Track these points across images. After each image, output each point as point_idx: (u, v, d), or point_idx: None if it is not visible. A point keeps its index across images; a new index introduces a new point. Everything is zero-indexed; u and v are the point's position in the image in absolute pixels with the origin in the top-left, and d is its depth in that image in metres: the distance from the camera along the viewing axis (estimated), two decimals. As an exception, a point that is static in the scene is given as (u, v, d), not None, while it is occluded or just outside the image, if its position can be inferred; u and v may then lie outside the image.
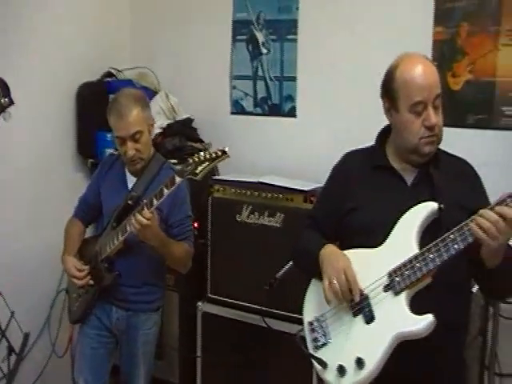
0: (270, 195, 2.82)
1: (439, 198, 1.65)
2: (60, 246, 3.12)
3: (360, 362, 1.60)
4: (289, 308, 2.78)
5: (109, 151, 3.21)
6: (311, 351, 1.77)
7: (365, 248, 1.73)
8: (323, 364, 1.70)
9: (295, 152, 3.17)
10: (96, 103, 3.26)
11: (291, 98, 3.21)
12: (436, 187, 1.69)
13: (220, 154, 2.01)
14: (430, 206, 1.65)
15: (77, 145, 3.34)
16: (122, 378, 2.51)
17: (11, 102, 1.79)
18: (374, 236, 1.71)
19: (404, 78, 1.71)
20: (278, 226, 2.80)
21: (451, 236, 1.54)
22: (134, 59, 3.55)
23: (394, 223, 1.69)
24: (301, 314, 2.77)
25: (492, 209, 1.48)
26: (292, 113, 3.22)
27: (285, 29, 3.17)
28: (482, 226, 1.47)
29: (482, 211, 1.49)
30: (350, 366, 1.63)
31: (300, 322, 2.73)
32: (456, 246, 1.53)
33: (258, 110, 3.32)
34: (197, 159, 2.03)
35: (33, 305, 3.09)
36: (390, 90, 1.75)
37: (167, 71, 3.49)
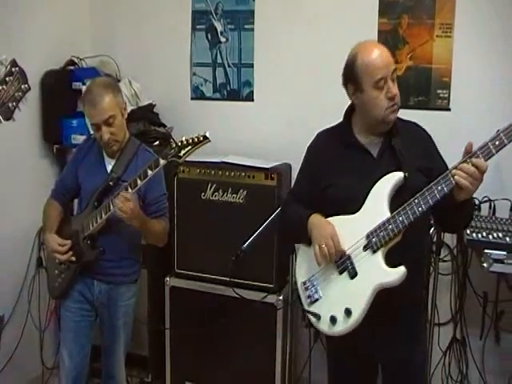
0: (233, 173, 2.99)
1: (404, 167, 1.91)
2: (29, 229, 3.26)
3: (348, 312, 1.90)
4: (253, 277, 2.99)
5: (75, 137, 3.33)
6: (306, 307, 2.04)
7: (344, 215, 1.98)
8: (317, 316, 1.99)
9: (253, 134, 3.34)
10: (60, 91, 3.35)
11: (249, 84, 3.39)
12: (399, 157, 1.94)
13: (202, 138, 2.17)
14: (396, 176, 1.91)
15: (42, 132, 3.37)
16: (102, 347, 2.63)
17: (29, 88, 1.91)
18: (350, 206, 1.96)
19: (364, 62, 1.95)
20: (241, 201, 2.99)
21: (415, 201, 1.83)
22: (95, 47, 3.59)
23: (367, 193, 1.94)
24: (265, 282, 3.03)
25: (466, 161, 1.76)
26: (250, 97, 3.40)
27: (242, 19, 3.34)
28: (463, 176, 1.75)
29: (460, 165, 1.76)
30: (340, 315, 1.92)
31: (264, 289, 2.98)
32: (427, 204, 1.81)
33: (218, 95, 3.48)
34: (180, 143, 2.17)
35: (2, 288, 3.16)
36: (353, 75, 1.98)
37: (128, 59, 3.56)
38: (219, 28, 3.41)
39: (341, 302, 1.92)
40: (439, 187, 1.81)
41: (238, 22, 3.37)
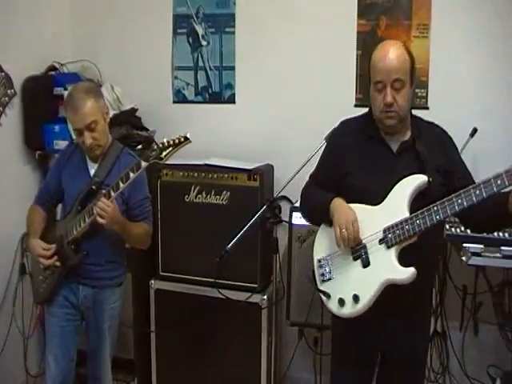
0: (215, 175, 3.03)
1: (427, 170, 1.96)
2: (11, 236, 3.24)
3: (356, 298, 1.97)
4: (238, 277, 3.01)
5: (57, 142, 3.33)
6: (318, 283, 2.12)
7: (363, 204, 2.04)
8: (327, 295, 2.07)
9: (235, 136, 3.38)
10: (42, 96, 3.35)
11: (230, 86, 3.43)
12: (423, 161, 1.98)
13: (183, 139, 2.19)
14: (421, 178, 1.95)
15: (24, 138, 3.37)
16: (88, 350, 2.62)
17: (15, 93, 1.93)
18: (366, 196, 2.02)
19: (373, 60, 2.00)
20: (224, 203, 3.03)
21: (435, 208, 1.87)
22: (75, 53, 3.60)
23: (384, 187, 1.98)
24: (249, 282, 3.05)
25: None
26: (231, 100, 3.44)
27: (223, 22, 3.39)
28: None
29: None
30: (348, 299, 2.00)
31: (248, 289, 3.01)
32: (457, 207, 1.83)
33: (199, 98, 3.51)
34: (161, 145, 2.18)
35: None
36: (368, 69, 2.03)
37: (110, 64, 3.58)
38: (200, 31, 3.45)
39: (351, 287, 2.00)
40: (477, 191, 1.80)
41: (218, 25, 3.41)
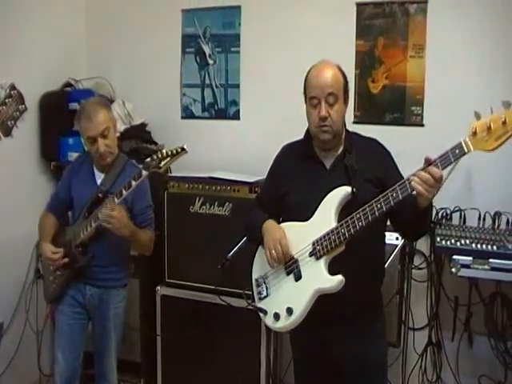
0: (219, 188, 3.16)
1: (353, 182, 2.04)
2: (27, 243, 3.42)
3: (289, 310, 2.06)
4: (239, 285, 3.12)
5: (71, 154, 3.51)
6: (256, 301, 2.21)
7: (297, 221, 2.14)
8: (264, 311, 2.16)
9: (239, 150, 3.53)
10: (57, 111, 3.55)
11: (235, 103, 3.59)
12: (350, 173, 2.07)
13: (180, 150, 2.36)
14: (344, 190, 2.04)
15: (41, 149, 3.57)
16: (95, 349, 2.78)
17: (26, 108, 2.14)
18: (301, 212, 2.11)
19: (308, 78, 2.14)
20: (226, 214, 3.16)
21: (357, 215, 1.94)
22: (90, 70, 3.81)
23: (319, 202, 2.08)
24: (249, 290, 3.15)
25: (424, 169, 1.82)
26: (236, 116, 3.60)
27: (229, 42, 3.55)
28: (418, 182, 1.82)
29: (417, 172, 1.82)
30: (282, 313, 2.09)
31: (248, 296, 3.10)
32: (382, 210, 1.90)
33: (206, 114, 3.68)
34: (160, 155, 2.35)
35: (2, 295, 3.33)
36: (304, 87, 2.16)
37: (122, 81, 3.77)
38: (207, 51, 3.61)
39: (285, 301, 2.08)
40: (394, 194, 1.89)
41: (224, 45, 3.57)
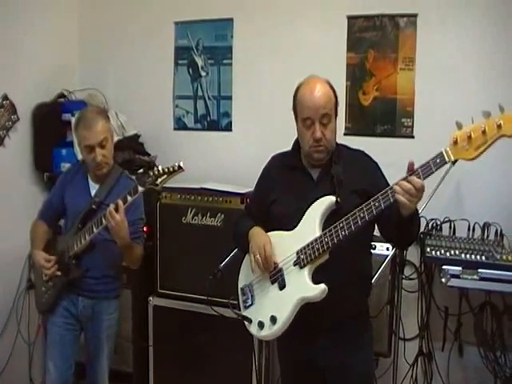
0: (211, 199, 3.19)
1: (338, 192, 2.05)
2: (19, 253, 3.42)
3: (273, 319, 2.07)
4: (230, 295, 3.13)
5: (64, 165, 3.51)
6: (242, 310, 2.22)
7: (283, 230, 2.15)
8: (248, 320, 2.17)
9: (231, 162, 3.55)
10: (51, 122, 3.57)
11: (227, 115, 3.62)
12: (335, 184, 2.08)
13: (177, 168, 2.36)
14: (328, 199, 2.05)
15: (34, 160, 3.58)
16: (87, 360, 2.77)
17: (18, 118, 2.16)
18: (287, 221, 2.13)
19: (299, 97, 2.11)
20: (218, 225, 3.18)
21: (340, 224, 1.96)
22: (83, 81, 3.83)
23: (304, 212, 2.09)
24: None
25: (406, 179, 1.82)
26: (228, 127, 3.63)
27: (221, 54, 3.59)
28: (400, 192, 1.81)
29: (399, 182, 1.82)
30: (266, 321, 2.10)
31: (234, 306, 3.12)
32: (367, 218, 1.90)
33: (198, 125, 3.70)
34: (157, 172, 2.36)
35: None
36: (294, 105, 2.16)
37: (115, 92, 3.79)
38: (200, 63, 3.65)
39: (269, 309, 2.10)
40: (376, 203, 1.90)
41: (217, 57, 3.60)
